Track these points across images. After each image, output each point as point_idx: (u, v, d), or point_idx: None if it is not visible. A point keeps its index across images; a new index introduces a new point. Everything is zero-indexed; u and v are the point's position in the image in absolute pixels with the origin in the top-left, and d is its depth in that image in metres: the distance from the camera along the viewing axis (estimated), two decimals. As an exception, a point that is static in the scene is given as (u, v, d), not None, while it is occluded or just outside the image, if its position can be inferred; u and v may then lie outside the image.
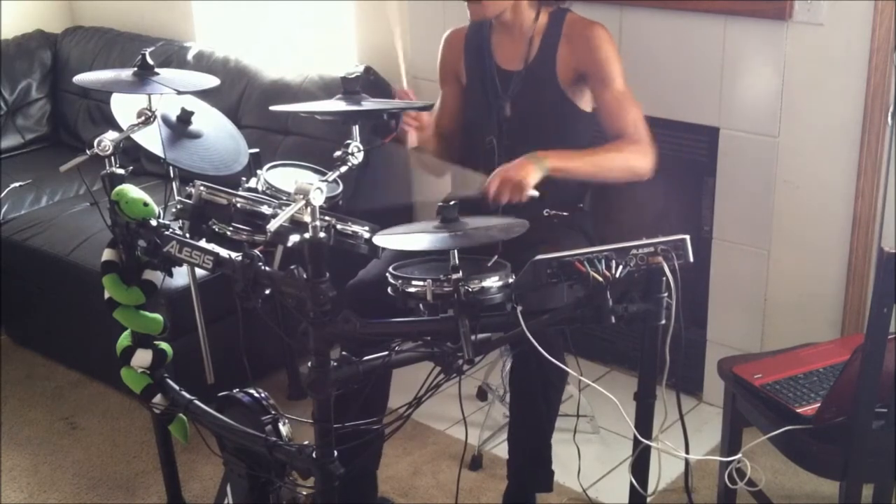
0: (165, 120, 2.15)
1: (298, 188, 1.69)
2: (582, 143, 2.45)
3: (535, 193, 2.16)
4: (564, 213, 2.41)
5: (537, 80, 2.37)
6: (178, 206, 2.04)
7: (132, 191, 2.06)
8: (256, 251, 1.84)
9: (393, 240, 1.90)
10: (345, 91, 2.15)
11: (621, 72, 2.32)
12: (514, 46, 2.40)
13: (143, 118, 2.09)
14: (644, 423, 1.97)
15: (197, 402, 2.20)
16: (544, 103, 2.39)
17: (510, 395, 2.44)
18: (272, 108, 2.34)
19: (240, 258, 1.84)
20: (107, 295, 2.16)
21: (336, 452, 1.86)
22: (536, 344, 1.74)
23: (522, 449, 2.44)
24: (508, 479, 2.48)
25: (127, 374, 2.24)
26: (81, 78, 2.15)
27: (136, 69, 2.13)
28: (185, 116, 2.18)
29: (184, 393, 2.23)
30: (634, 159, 2.29)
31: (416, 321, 1.82)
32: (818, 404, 1.98)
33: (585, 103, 2.41)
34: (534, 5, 2.36)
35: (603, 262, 1.75)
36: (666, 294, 1.81)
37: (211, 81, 2.20)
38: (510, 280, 1.80)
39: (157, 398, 2.24)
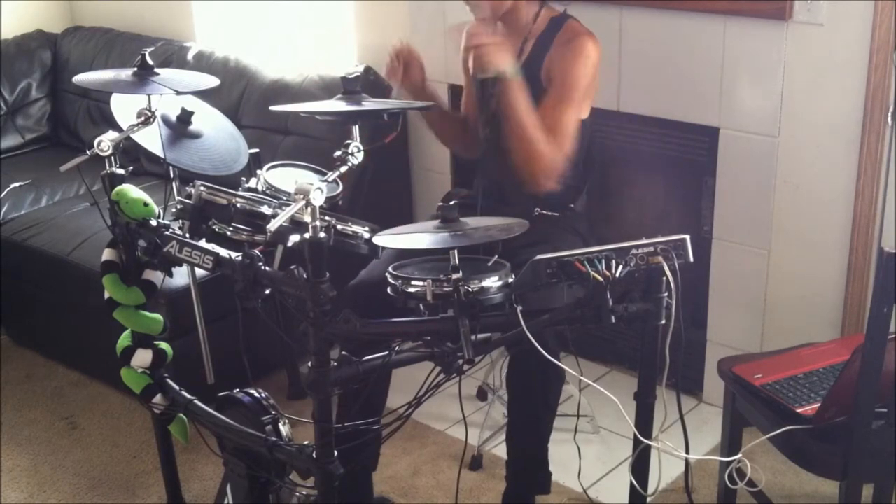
0: (165, 120, 2.15)
1: (298, 188, 1.69)
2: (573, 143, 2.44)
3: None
4: (555, 214, 2.41)
5: (525, 79, 2.34)
6: (178, 206, 2.04)
7: (132, 191, 2.06)
8: (256, 251, 1.84)
9: (393, 240, 1.90)
10: (345, 91, 2.16)
11: (581, 84, 2.27)
12: (511, 44, 2.39)
13: (142, 118, 2.09)
14: (644, 423, 1.97)
15: (197, 402, 2.20)
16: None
17: (508, 396, 2.44)
18: (272, 108, 2.34)
19: (240, 258, 1.84)
20: (107, 295, 2.16)
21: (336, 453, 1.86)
22: (537, 344, 1.75)
23: (520, 451, 2.44)
24: (507, 481, 2.48)
25: (127, 374, 2.24)
26: (81, 78, 2.15)
27: (135, 69, 2.13)
28: (185, 116, 2.18)
29: (184, 393, 2.23)
30: (548, 148, 2.23)
31: (416, 321, 1.82)
32: (818, 404, 1.98)
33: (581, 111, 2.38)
34: (533, 5, 2.35)
35: (603, 262, 1.75)
36: (666, 294, 1.81)
37: (211, 81, 2.20)
38: (510, 280, 1.80)
39: (157, 398, 2.24)
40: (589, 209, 2.48)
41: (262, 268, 1.81)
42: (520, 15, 2.35)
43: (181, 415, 2.26)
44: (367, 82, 3.21)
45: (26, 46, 4.16)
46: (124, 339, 2.24)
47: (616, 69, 2.79)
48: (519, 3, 2.33)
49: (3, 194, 3.54)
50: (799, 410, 2.00)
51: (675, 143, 2.78)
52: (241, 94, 3.48)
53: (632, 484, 2.03)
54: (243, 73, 3.52)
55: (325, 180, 1.92)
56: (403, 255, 1.96)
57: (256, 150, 2.22)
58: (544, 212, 2.38)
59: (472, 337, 1.75)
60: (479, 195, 2.47)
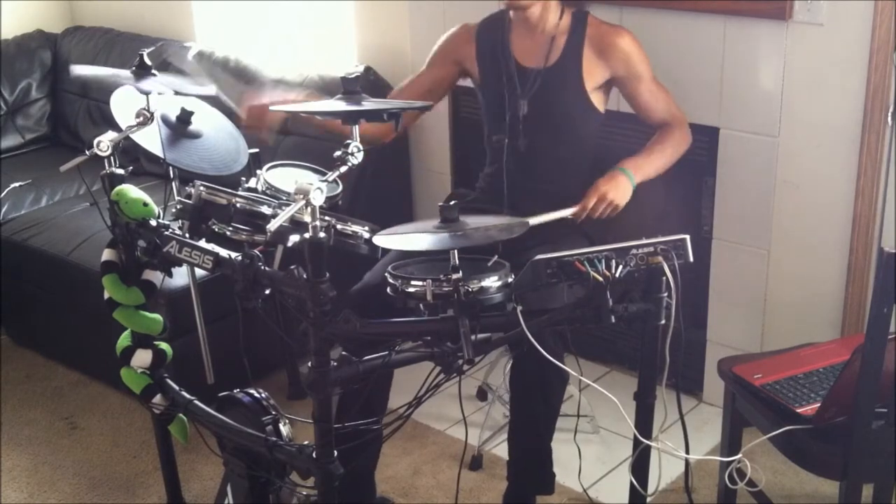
0: (165, 120, 2.15)
1: (298, 188, 1.69)
2: (591, 142, 2.49)
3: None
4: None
5: (560, 79, 2.40)
6: (178, 206, 2.04)
7: (132, 191, 2.06)
8: (256, 251, 1.84)
9: (393, 240, 1.90)
10: (345, 91, 2.16)
11: (649, 65, 2.43)
12: (534, 44, 2.41)
13: (141, 118, 2.09)
14: (644, 423, 1.97)
15: (197, 402, 2.20)
16: (564, 102, 2.42)
17: (510, 396, 2.44)
18: (272, 108, 2.34)
19: (240, 258, 1.84)
20: (107, 295, 2.16)
21: (336, 452, 1.86)
22: (537, 345, 1.74)
23: (522, 450, 2.44)
24: (508, 480, 2.48)
25: (127, 374, 2.24)
26: (78, 69, 2.14)
27: (134, 69, 2.13)
28: (185, 116, 2.18)
29: (184, 393, 2.23)
30: (682, 143, 2.49)
31: (416, 321, 1.82)
32: (818, 404, 1.98)
33: (600, 104, 2.46)
34: (559, 5, 2.39)
35: (603, 262, 1.75)
36: (666, 294, 1.81)
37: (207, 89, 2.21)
38: (510, 280, 1.80)
39: (157, 398, 2.24)
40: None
41: (262, 268, 1.81)
42: (548, 14, 2.38)
43: (181, 415, 2.26)
44: (367, 82, 3.21)
45: (26, 46, 4.16)
46: (124, 339, 2.24)
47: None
48: (549, 4, 2.36)
49: (3, 194, 3.54)
50: (799, 410, 2.00)
51: (675, 143, 2.77)
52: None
53: (632, 484, 2.03)
54: (243, 74, 3.52)
55: (325, 180, 1.92)
56: (405, 256, 1.96)
57: (256, 150, 2.22)
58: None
59: (472, 337, 1.75)
60: (486, 197, 2.48)
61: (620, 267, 1.76)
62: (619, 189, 2.35)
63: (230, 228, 1.97)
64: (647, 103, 2.45)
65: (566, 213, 2.34)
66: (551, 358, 1.79)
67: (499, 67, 2.45)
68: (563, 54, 2.39)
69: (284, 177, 2.16)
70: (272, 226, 1.72)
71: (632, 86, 2.43)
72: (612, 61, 2.39)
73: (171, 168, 2.13)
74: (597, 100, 2.44)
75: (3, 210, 3.48)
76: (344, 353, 1.83)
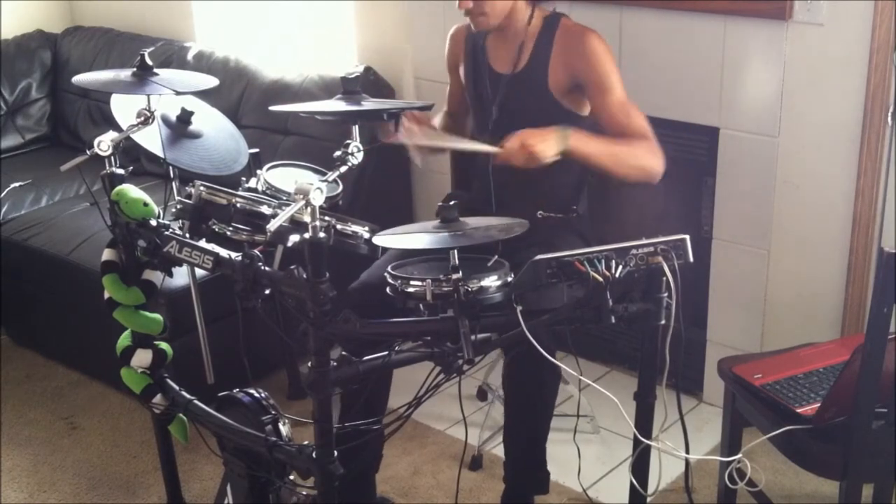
0: (165, 120, 2.15)
1: (298, 188, 1.69)
2: None
3: (550, 160, 2.16)
4: (559, 216, 2.41)
5: (526, 84, 2.34)
6: (178, 206, 2.04)
7: (132, 191, 2.07)
8: (256, 251, 1.84)
9: (393, 240, 1.90)
10: (345, 91, 2.16)
11: (620, 79, 2.28)
12: (506, 49, 2.37)
13: (142, 118, 2.09)
14: (644, 423, 1.97)
15: (197, 402, 2.20)
16: (533, 108, 2.35)
17: (504, 396, 2.44)
18: (272, 108, 2.34)
19: (240, 258, 1.84)
20: (107, 295, 2.16)
21: (336, 453, 1.86)
22: (537, 344, 1.74)
23: (518, 451, 2.43)
24: (505, 482, 2.48)
25: (127, 374, 2.24)
26: (81, 78, 2.15)
27: (135, 69, 2.13)
28: (185, 116, 2.18)
29: (184, 393, 2.23)
30: (646, 158, 2.26)
31: (416, 321, 1.81)
32: (818, 404, 1.98)
33: (582, 107, 2.37)
34: (528, 7, 2.32)
35: (603, 262, 1.75)
36: (666, 294, 1.81)
37: (210, 81, 2.20)
38: (509, 279, 1.80)
39: (157, 398, 2.24)
40: (589, 210, 2.48)
41: (262, 268, 1.81)
42: (516, 18, 2.31)
43: (181, 415, 2.26)
44: (367, 82, 3.21)
45: (26, 46, 4.16)
46: (124, 339, 2.25)
47: (616, 69, 2.79)
48: (517, 5, 2.30)
49: (3, 194, 3.54)
50: (799, 410, 2.00)
51: (675, 143, 2.77)
52: (241, 94, 3.48)
53: (632, 484, 2.03)
54: (243, 73, 3.53)
55: (325, 180, 1.92)
56: (405, 256, 1.96)
57: (256, 150, 2.22)
58: (549, 214, 2.38)
59: (472, 337, 1.75)
60: (480, 198, 2.48)
61: (620, 267, 1.76)
62: (543, 140, 2.13)
63: (230, 228, 1.98)
64: (615, 117, 2.25)
65: (487, 149, 2.20)
66: (551, 358, 1.79)
67: (479, 71, 2.44)
68: (530, 60, 2.31)
69: (284, 177, 2.16)
70: (272, 226, 1.72)
71: (598, 97, 2.26)
72: (575, 63, 2.27)
73: (171, 168, 2.13)
74: (574, 102, 2.34)
75: (3, 210, 3.48)
76: (344, 353, 1.83)
